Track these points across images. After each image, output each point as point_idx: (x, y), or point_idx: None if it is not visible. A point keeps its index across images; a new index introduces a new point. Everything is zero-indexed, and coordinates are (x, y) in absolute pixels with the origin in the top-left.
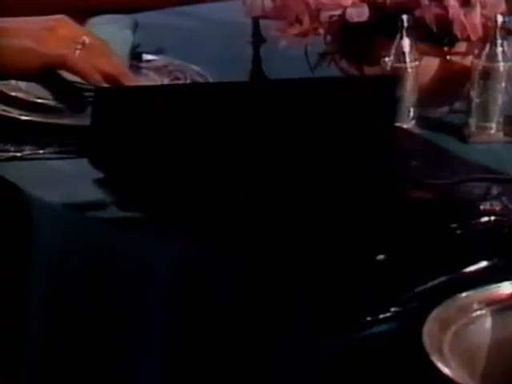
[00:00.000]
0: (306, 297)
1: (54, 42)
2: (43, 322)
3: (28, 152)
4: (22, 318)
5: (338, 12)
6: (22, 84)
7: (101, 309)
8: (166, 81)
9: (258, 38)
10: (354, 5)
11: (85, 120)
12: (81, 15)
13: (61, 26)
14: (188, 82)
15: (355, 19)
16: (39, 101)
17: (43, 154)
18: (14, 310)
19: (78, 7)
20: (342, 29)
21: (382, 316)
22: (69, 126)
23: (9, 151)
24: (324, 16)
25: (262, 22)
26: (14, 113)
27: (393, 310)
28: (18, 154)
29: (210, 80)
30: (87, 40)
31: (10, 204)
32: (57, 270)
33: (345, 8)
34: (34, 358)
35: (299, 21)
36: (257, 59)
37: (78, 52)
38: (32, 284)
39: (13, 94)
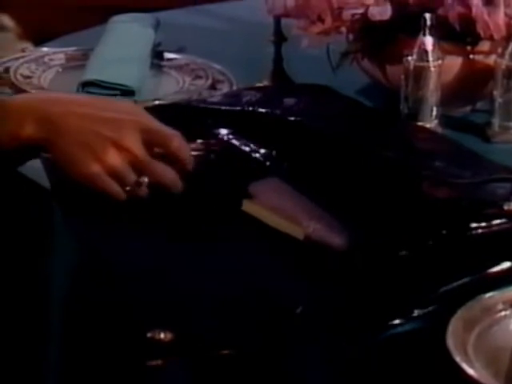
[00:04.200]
0: (331, 298)
1: None
2: (64, 325)
3: None
4: (44, 320)
5: (360, 10)
6: (45, 82)
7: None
8: (187, 79)
9: (279, 37)
10: (376, 3)
11: None
12: (101, 13)
13: None
14: (209, 80)
15: (378, 18)
16: None
17: None
18: (35, 313)
19: (99, 5)
20: (365, 27)
21: (406, 316)
22: None
23: None
24: (346, 14)
25: (283, 20)
26: None
27: (417, 310)
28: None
29: (232, 79)
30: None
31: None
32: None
33: (367, 6)
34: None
35: (321, 19)
36: (278, 58)
37: None
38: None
39: (34, 91)
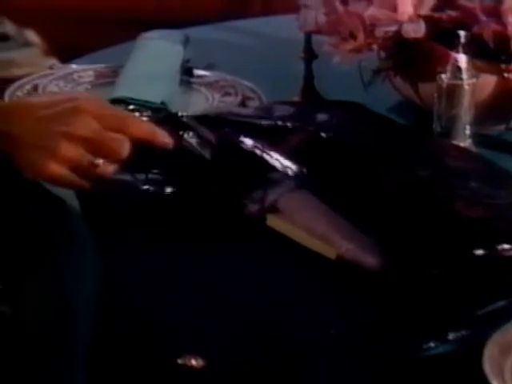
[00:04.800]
0: (364, 319)
1: None
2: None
3: None
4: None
5: (393, 28)
6: None
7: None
8: (217, 96)
9: (310, 54)
10: (410, 20)
11: None
12: (129, 28)
13: None
14: (239, 97)
15: (411, 35)
16: None
17: None
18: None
19: (126, 20)
20: (397, 44)
21: (440, 339)
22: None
23: None
24: (379, 31)
25: (313, 36)
26: None
27: (452, 333)
28: None
29: (262, 96)
30: None
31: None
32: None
33: (400, 23)
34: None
35: (353, 36)
36: (309, 75)
37: None
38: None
39: None
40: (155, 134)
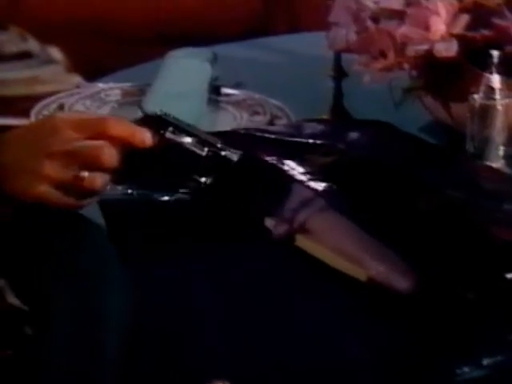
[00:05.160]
0: (395, 343)
1: None
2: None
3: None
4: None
5: (424, 46)
6: None
7: None
8: (245, 115)
9: (339, 72)
10: (442, 39)
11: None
12: (158, 45)
13: None
14: (268, 116)
15: (443, 54)
16: None
17: (121, 189)
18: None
19: (155, 37)
20: (429, 64)
21: (474, 364)
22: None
23: None
24: (410, 50)
25: (343, 54)
26: None
27: (486, 358)
28: None
29: (291, 115)
30: None
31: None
32: None
33: (432, 42)
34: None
35: (384, 55)
36: (338, 94)
37: None
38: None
39: None
40: (134, 133)
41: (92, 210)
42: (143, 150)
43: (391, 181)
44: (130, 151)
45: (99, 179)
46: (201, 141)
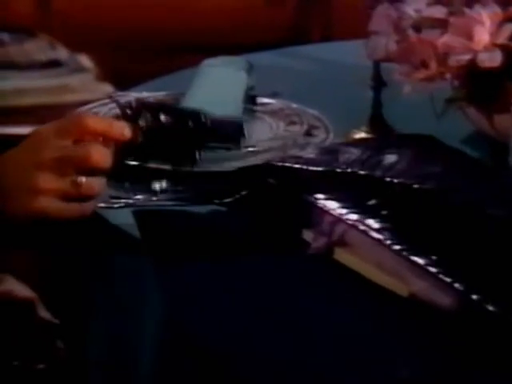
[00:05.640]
0: (439, 363)
1: None
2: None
3: (141, 199)
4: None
5: (467, 56)
6: None
7: None
8: (281, 125)
9: (379, 82)
10: (485, 49)
11: (200, 166)
12: (191, 53)
13: None
14: (305, 126)
15: (487, 64)
16: None
17: (156, 200)
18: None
19: (188, 45)
20: (471, 74)
21: None
22: (182, 172)
23: (121, 198)
24: (452, 60)
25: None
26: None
27: None
28: (131, 201)
29: (328, 125)
30: None
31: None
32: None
33: (475, 52)
34: None
35: (425, 65)
36: (377, 104)
37: None
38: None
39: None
40: (112, 125)
41: (126, 222)
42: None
43: (433, 200)
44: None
45: (96, 182)
46: (180, 116)
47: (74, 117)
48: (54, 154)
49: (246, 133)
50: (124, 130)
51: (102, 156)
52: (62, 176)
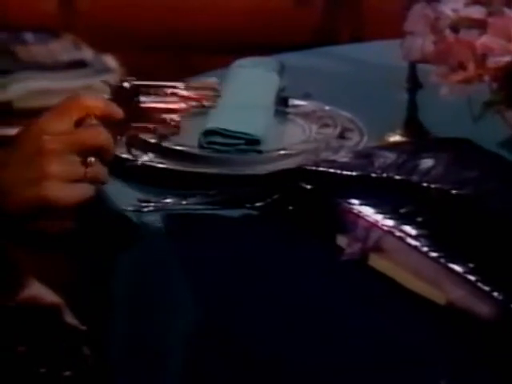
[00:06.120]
0: (478, 372)
1: None
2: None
3: (170, 202)
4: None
5: (506, 58)
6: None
7: None
8: (314, 128)
9: (414, 84)
10: None
11: (231, 169)
12: (220, 54)
13: None
14: (338, 129)
15: None
16: (180, 148)
17: (186, 204)
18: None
19: (217, 46)
20: (510, 76)
21: None
22: (212, 175)
23: (150, 202)
24: (491, 62)
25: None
26: (155, 161)
27: None
28: (160, 205)
29: (362, 128)
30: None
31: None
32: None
33: None
34: None
35: (463, 66)
36: (413, 106)
37: None
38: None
39: (152, 141)
40: (108, 105)
41: (155, 225)
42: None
43: (470, 207)
44: None
45: (106, 160)
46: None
47: (71, 98)
48: (58, 138)
49: None
50: (118, 110)
51: (107, 136)
52: (67, 159)
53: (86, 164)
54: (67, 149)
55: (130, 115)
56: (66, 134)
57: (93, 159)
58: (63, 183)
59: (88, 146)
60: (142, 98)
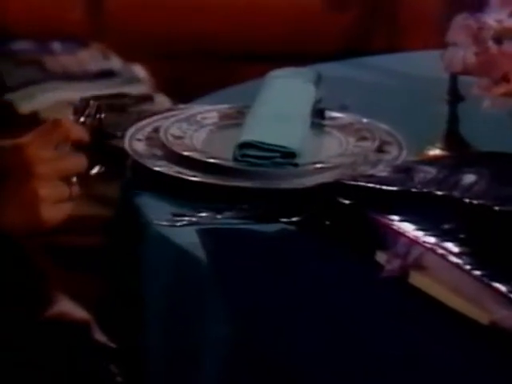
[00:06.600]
0: None
1: None
2: None
3: (204, 217)
4: None
5: None
6: (197, 143)
7: None
8: (351, 141)
9: (455, 96)
10: None
11: (266, 183)
12: (251, 63)
13: None
14: (376, 142)
15: None
16: (214, 161)
17: (221, 219)
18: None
19: (248, 55)
20: None
21: None
22: (247, 189)
23: (184, 216)
24: None
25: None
26: (188, 174)
27: None
28: (194, 219)
29: (401, 141)
30: None
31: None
32: None
33: None
34: None
35: (506, 79)
36: (453, 119)
37: None
38: None
39: (186, 153)
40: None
41: (189, 240)
42: None
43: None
44: None
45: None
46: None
47: (53, 124)
48: (47, 164)
49: None
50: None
51: (85, 162)
52: (54, 183)
53: (69, 185)
54: (55, 174)
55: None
56: (53, 160)
57: (74, 179)
58: (53, 205)
59: (73, 172)
60: None
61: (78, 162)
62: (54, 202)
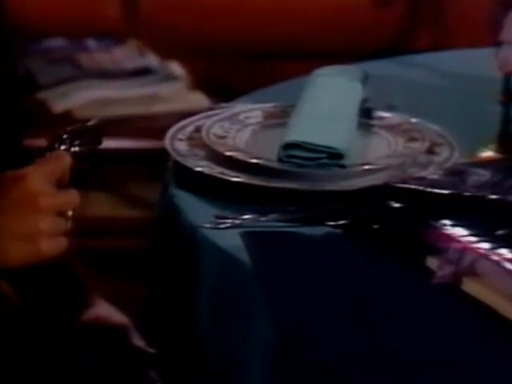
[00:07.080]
0: None
1: None
2: None
3: (248, 219)
4: None
5: None
6: (241, 143)
7: None
8: (400, 141)
9: (509, 96)
10: None
11: (312, 184)
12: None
13: None
14: (426, 143)
15: None
16: (258, 162)
17: (265, 221)
18: None
19: (292, 53)
20: None
21: None
22: (292, 190)
23: (227, 218)
24: None
25: None
26: (231, 175)
27: None
28: (237, 222)
29: (453, 142)
30: None
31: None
32: None
33: None
34: None
35: None
36: (507, 120)
37: None
38: None
39: (229, 153)
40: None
41: (232, 242)
42: None
43: None
44: None
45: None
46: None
47: (56, 159)
48: (48, 198)
49: None
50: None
51: (79, 198)
52: (53, 217)
53: (66, 219)
54: (55, 208)
55: None
56: (53, 194)
57: (71, 213)
58: (52, 238)
59: (69, 206)
60: None
61: (74, 198)
62: (53, 236)
